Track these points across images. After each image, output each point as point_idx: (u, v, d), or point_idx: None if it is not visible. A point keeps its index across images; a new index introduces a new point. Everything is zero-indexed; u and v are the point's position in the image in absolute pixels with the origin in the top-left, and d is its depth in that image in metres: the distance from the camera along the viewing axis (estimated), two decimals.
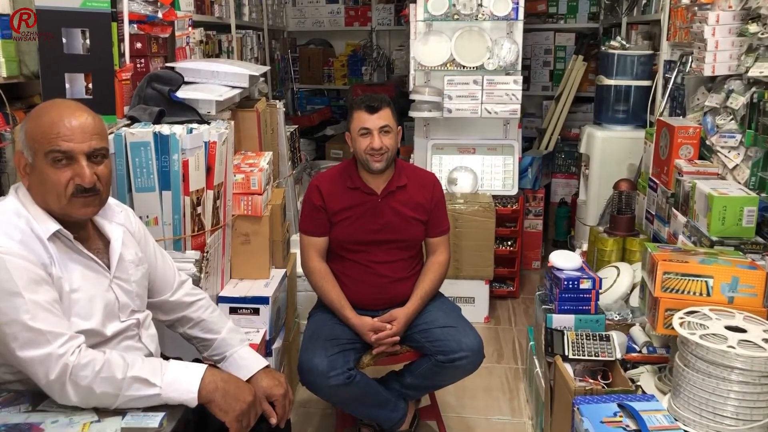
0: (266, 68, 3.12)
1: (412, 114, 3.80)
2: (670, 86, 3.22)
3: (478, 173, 3.89)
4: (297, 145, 3.87)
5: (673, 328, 1.91)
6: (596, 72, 5.33)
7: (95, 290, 1.56)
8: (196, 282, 2.16)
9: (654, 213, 3.04)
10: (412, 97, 3.79)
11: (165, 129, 2.12)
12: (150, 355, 1.66)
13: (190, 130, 2.18)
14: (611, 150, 3.81)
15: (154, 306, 1.79)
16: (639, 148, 3.62)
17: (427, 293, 2.44)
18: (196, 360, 1.88)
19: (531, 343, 2.80)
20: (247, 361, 1.80)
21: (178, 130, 2.15)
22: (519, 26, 3.70)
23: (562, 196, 5.10)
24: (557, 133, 4.87)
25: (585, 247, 3.30)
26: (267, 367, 1.83)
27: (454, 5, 3.61)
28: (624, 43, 3.80)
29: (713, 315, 1.88)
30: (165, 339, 1.99)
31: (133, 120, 2.25)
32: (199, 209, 2.23)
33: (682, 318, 1.87)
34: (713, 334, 1.77)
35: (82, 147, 1.50)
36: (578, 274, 2.44)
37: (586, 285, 2.40)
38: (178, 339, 1.91)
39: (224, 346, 1.83)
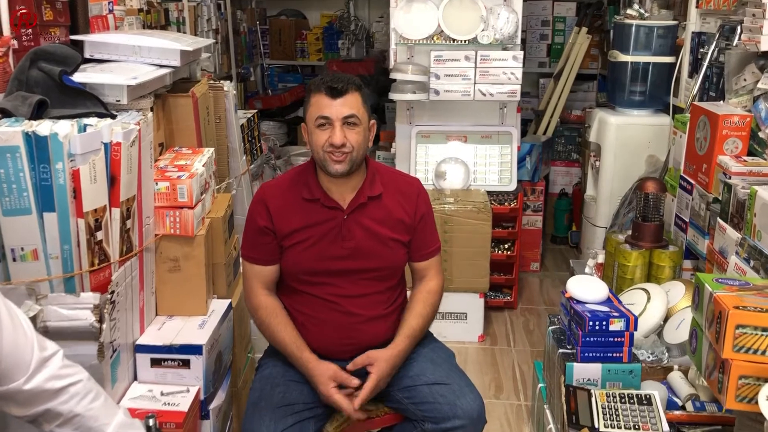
0: (208, 41, 2.50)
1: (393, 96, 3.24)
2: (705, 63, 2.65)
3: (470, 165, 3.32)
4: (256, 134, 3.26)
5: (754, 403, 1.38)
6: (599, 46, 4.77)
7: None
8: (95, 336, 1.58)
9: (688, 220, 2.50)
10: (393, 75, 3.22)
11: (44, 127, 1.52)
12: None
13: (83, 128, 1.59)
14: (627, 139, 3.25)
15: (2, 398, 1.21)
16: (661, 137, 3.07)
17: (416, 331, 1.86)
18: None
19: (540, 385, 2.25)
20: None
21: (64, 128, 1.54)
22: None
23: (562, 186, 4.56)
24: (557, 115, 4.31)
25: (600, 258, 2.74)
26: None
27: None
28: (642, 12, 3.22)
29: None
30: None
31: (5, 114, 1.64)
32: (100, 234, 1.64)
33: None
34: None
35: None
36: (606, 310, 1.89)
37: (617, 326, 1.84)
38: None
39: None
